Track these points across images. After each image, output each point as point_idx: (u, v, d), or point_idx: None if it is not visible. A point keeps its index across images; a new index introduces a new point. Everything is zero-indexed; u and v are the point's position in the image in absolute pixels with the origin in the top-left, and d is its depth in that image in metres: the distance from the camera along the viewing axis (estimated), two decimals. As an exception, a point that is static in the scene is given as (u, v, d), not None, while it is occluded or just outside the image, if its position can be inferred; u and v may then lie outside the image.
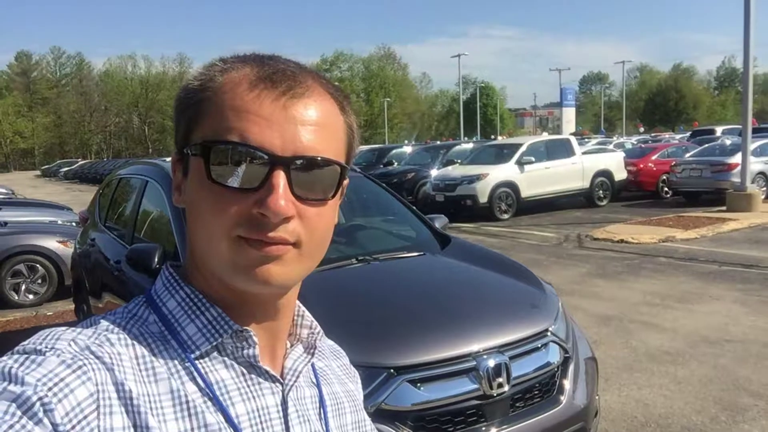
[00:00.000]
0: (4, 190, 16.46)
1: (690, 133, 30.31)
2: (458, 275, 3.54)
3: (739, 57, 14.41)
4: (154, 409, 0.63)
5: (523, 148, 15.45)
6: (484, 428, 2.64)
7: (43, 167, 72.45)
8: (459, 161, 17.30)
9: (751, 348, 5.31)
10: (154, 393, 0.64)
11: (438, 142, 27.24)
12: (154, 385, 0.65)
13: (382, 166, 19.73)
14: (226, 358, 0.71)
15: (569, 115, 58.59)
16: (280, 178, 0.65)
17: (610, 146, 22.74)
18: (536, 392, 2.87)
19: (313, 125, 0.68)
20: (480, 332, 2.80)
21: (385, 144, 42.13)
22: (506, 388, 2.70)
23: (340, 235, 4.33)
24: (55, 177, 57.63)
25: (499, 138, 33.57)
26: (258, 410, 0.70)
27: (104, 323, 0.68)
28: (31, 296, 7.88)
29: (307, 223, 0.68)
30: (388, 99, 77.83)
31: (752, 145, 14.24)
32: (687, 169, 15.70)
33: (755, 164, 14.56)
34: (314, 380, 0.81)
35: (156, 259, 3.41)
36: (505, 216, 14.79)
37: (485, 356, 2.72)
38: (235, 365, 0.71)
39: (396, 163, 19.65)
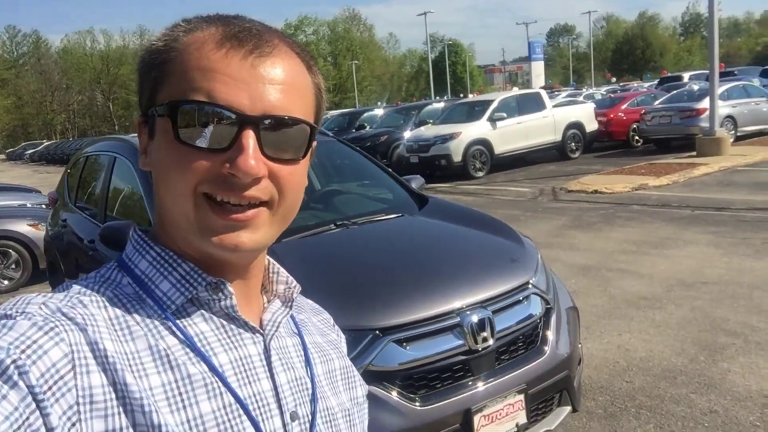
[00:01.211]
0: None
1: (658, 80, 30.50)
2: (437, 234, 3.54)
3: (704, 2, 14.44)
4: (133, 366, 0.62)
5: (494, 105, 15.42)
6: (471, 382, 2.67)
7: (7, 150, 70.76)
8: (431, 121, 17.24)
9: (726, 289, 5.43)
10: (132, 350, 0.64)
11: (408, 104, 27.05)
12: (131, 343, 0.64)
13: (354, 130, 19.59)
14: (204, 312, 0.70)
15: (538, 69, 58.55)
16: (250, 137, 0.64)
17: (580, 98, 22.81)
18: (520, 344, 2.90)
19: (281, 84, 0.67)
20: (462, 289, 2.81)
21: (356, 108, 41.78)
22: (491, 342, 2.72)
23: (317, 201, 4.30)
24: (20, 160, 56.36)
25: (470, 96, 33.48)
26: (241, 359, 0.70)
27: (76, 287, 0.68)
28: (6, 282, 7.75)
29: (278, 183, 0.67)
30: (356, 62, 76.94)
31: (719, 89, 14.37)
32: (656, 116, 15.82)
33: (723, 108, 14.72)
34: (295, 330, 0.81)
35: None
36: (480, 174, 14.83)
37: (468, 312, 2.73)
38: (214, 318, 0.71)
39: (368, 127, 19.51)
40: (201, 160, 0.64)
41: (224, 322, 0.71)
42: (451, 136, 14.68)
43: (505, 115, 15.22)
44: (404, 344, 2.59)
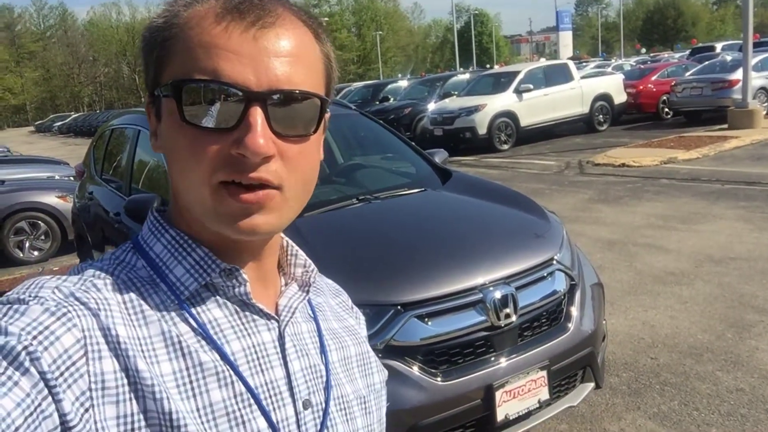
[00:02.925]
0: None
1: (689, 51, 29.72)
2: (460, 209, 3.50)
3: (740, -32, 13.94)
4: (145, 352, 0.62)
5: (520, 76, 15.17)
6: (493, 358, 2.66)
7: (36, 123, 71.69)
8: (456, 93, 17.04)
9: (755, 265, 5.33)
10: (145, 336, 0.63)
11: (433, 75, 26.74)
12: (144, 329, 0.63)
13: (377, 102, 19.44)
14: (218, 298, 0.69)
15: (566, 39, 57.39)
16: (257, 115, 0.61)
17: (609, 69, 22.35)
18: (544, 320, 2.88)
19: (288, 56, 0.64)
20: (485, 264, 2.79)
21: (380, 79, 41.47)
22: (513, 318, 2.70)
23: (339, 175, 4.28)
24: (49, 132, 57.11)
25: (496, 67, 32.98)
26: (254, 347, 0.69)
27: (90, 270, 0.67)
28: (35, 253, 7.91)
29: (289, 163, 0.65)
30: (380, 32, 76.18)
31: (753, 60, 13.96)
32: (687, 88, 15.44)
33: (756, 80, 14.31)
34: (311, 315, 0.79)
35: (154, 209, 3.38)
36: (505, 146, 14.67)
37: (491, 288, 2.71)
38: (228, 304, 0.70)
39: (392, 99, 19.34)
40: (210, 143, 0.62)
41: (238, 309, 0.70)
42: (476, 108, 14.51)
43: (531, 86, 14.97)
44: (426, 320, 2.59)
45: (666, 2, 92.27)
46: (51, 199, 7.90)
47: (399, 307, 2.56)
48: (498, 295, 2.69)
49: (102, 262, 0.69)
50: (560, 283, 2.98)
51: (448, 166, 4.20)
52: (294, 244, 0.79)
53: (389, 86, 21.53)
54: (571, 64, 16.47)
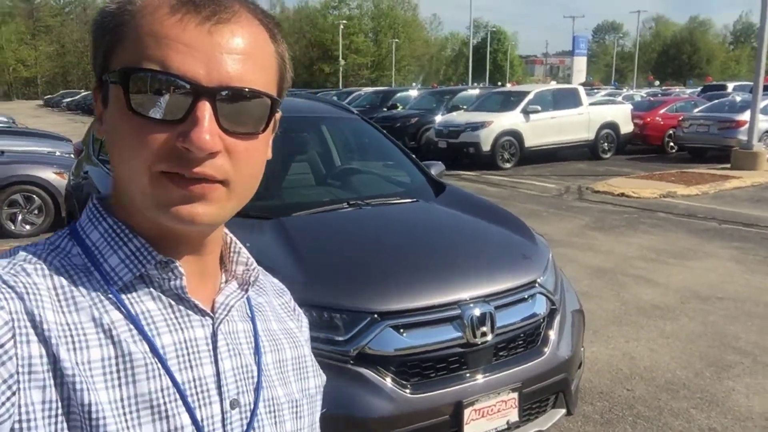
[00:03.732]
0: (4, 119, 16.33)
1: (701, 88, 29.80)
2: (449, 223, 3.50)
3: (757, 11, 13.98)
4: (74, 337, 0.61)
5: (529, 96, 15.21)
6: (465, 375, 2.65)
7: (45, 97, 71.68)
8: (464, 107, 17.07)
9: (742, 306, 5.33)
10: (75, 321, 0.62)
11: (444, 87, 26.78)
12: (75, 314, 0.63)
13: (385, 109, 19.47)
14: (152, 290, 0.68)
15: (580, 64, 57.55)
16: (206, 110, 0.61)
17: (619, 98, 22.40)
18: (520, 342, 2.87)
19: (241, 54, 0.64)
20: (466, 281, 2.79)
21: (392, 86, 41.54)
22: (489, 337, 2.70)
23: (334, 178, 4.29)
24: (57, 107, 57.10)
25: (508, 85, 33.05)
26: (185, 342, 0.68)
27: (22, 254, 0.66)
28: (27, 227, 7.90)
29: (235, 159, 0.64)
30: (397, 40, 76.38)
31: (762, 103, 13.99)
32: (694, 124, 15.47)
33: (764, 122, 14.32)
34: (249, 315, 0.78)
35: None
36: (508, 165, 14.68)
37: (471, 305, 2.71)
38: (163, 297, 0.69)
39: (400, 107, 19.38)
40: (155, 133, 0.61)
41: (173, 302, 0.69)
42: (482, 125, 14.53)
43: (539, 108, 15.00)
44: (401, 330, 2.58)
45: (683, 37, 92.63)
46: (48, 175, 7.89)
47: (375, 315, 2.56)
48: (476, 312, 2.69)
49: (36, 247, 0.68)
50: (540, 307, 2.98)
51: (445, 179, 4.20)
52: (238, 242, 0.79)
53: (399, 94, 21.56)
54: (581, 90, 16.52)
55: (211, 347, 0.70)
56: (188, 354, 0.68)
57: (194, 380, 0.67)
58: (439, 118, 16.58)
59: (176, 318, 0.68)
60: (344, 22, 71.19)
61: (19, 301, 0.59)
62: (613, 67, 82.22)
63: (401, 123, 17.14)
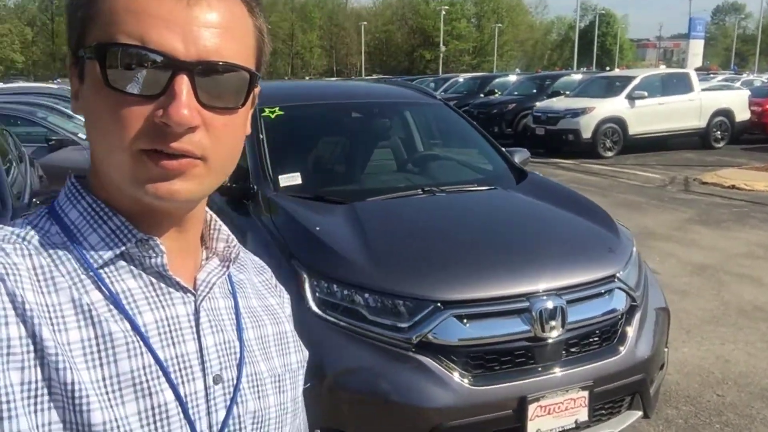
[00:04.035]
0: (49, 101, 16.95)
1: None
2: (526, 212, 3.39)
3: None
4: (53, 319, 0.61)
5: (635, 81, 14.45)
6: (531, 370, 2.56)
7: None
8: (566, 93, 16.49)
9: None
10: (54, 303, 0.62)
11: (546, 72, 25.97)
12: (54, 295, 0.63)
13: (482, 95, 19.14)
14: (133, 268, 0.68)
15: (697, 47, 54.04)
16: (183, 84, 0.60)
17: (737, 84, 20.88)
18: (595, 339, 2.74)
19: (219, 27, 0.63)
20: (537, 273, 2.69)
21: (493, 72, 40.79)
22: (559, 332, 2.59)
23: (414, 163, 4.26)
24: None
25: (616, 70, 31.61)
26: (167, 319, 0.68)
27: (1, 234, 0.66)
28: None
29: (214, 134, 0.64)
30: (500, 25, 74.85)
31: None
32: (822, 111, 14.19)
33: None
34: (231, 291, 0.78)
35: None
36: (609, 153, 14.06)
37: (541, 298, 2.61)
38: (144, 275, 0.69)
39: (498, 93, 19.00)
40: (133, 110, 0.61)
41: (154, 280, 0.69)
42: (582, 111, 13.98)
43: (646, 93, 14.23)
44: (465, 321, 2.53)
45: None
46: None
47: (439, 303, 2.51)
48: (546, 306, 2.59)
49: (14, 227, 0.68)
50: (619, 303, 2.83)
51: (538, 168, 4.08)
52: (218, 219, 0.79)
53: (497, 80, 21.14)
54: (693, 74, 15.50)
55: (193, 324, 0.70)
56: (170, 331, 0.68)
57: (177, 357, 0.68)
58: (538, 104, 16.11)
59: (157, 296, 0.69)
60: (446, 8, 70.50)
61: None
62: (732, 50, 76.84)
63: (498, 109, 16.81)
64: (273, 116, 3.82)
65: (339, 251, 2.73)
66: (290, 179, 3.44)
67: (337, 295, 2.60)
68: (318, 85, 6.66)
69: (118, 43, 0.61)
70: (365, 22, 72.42)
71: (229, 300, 0.77)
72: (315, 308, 2.58)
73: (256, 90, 0.69)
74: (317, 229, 2.89)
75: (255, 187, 3.41)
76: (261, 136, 3.66)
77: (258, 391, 0.75)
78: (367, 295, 2.57)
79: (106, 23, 0.62)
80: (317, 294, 2.61)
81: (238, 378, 0.72)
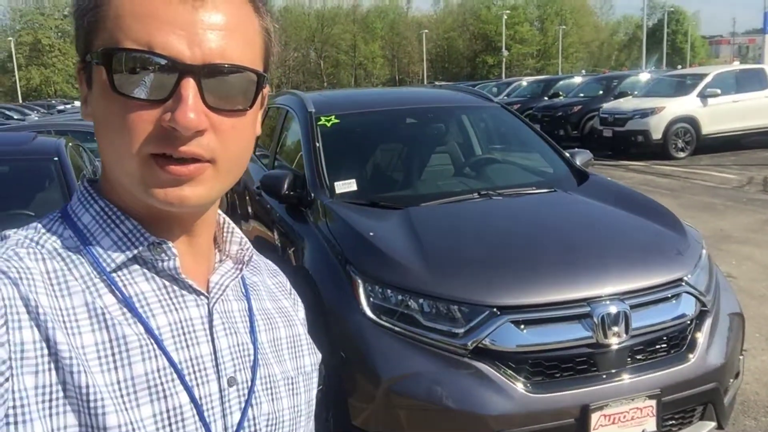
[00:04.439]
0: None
1: None
2: (587, 215, 3.28)
3: None
4: (67, 323, 0.61)
5: (707, 79, 13.84)
6: (594, 377, 2.47)
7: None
8: (634, 93, 15.98)
9: None
10: (68, 306, 0.62)
11: (613, 73, 25.26)
12: (67, 299, 0.63)
13: (546, 98, 18.78)
14: (146, 271, 0.68)
15: (774, 42, 51.42)
16: (190, 88, 0.60)
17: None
18: (662, 345, 2.62)
19: (224, 29, 0.62)
20: (598, 277, 2.60)
21: (559, 75, 40.04)
22: (623, 338, 2.49)
23: (471, 167, 4.21)
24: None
25: (688, 68, 30.47)
26: (181, 322, 0.68)
27: (14, 238, 0.67)
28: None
29: (222, 137, 0.63)
30: (564, 27, 73.46)
31: None
32: None
33: None
34: (244, 294, 0.78)
35: (285, 186, 3.53)
36: (682, 154, 13.49)
37: (604, 302, 2.52)
38: (156, 278, 0.68)
39: (562, 95, 18.59)
40: (141, 115, 0.61)
41: (167, 283, 0.69)
42: (652, 111, 13.48)
43: (719, 91, 13.59)
44: (522, 326, 2.46)
45: None
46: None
47: (495, 309, 2.46)
48: (609, 311, 2.49)
49: (27, 231, 0.68)
50: (688, 308, 2.70)
51: (606, 170, 3.96)
52: (231, 221, 0.78)
53: (561, 82, 20.68)
54: (769, 70, 14.75)
55: (206, 326, 0.70)
56: (184, 334, 0.68)
57: (191, 359, 0.67)
58: (604, 106, 15.66)
59: (171, 298, 0.68)
60: (508, 12, 69.77)
61: (12, 287, 0.59)
62: (815, 43, 72.95)
63: (563, 112, 16.43)
64: (329, 125, 3.85)
65: (393, 256, 2.72)
66: (346, 186, 3.45)
67: (391, 301, 2.58)
68: (373, 93, 6.69)
69: (123, 48, 0.61)
70: (426, 30, 72.46)
71: (242, 302, 0.77)
72: (370, 313, 2.57)
73: (265, 91, 0.69)
74: (371, 234, 2.89)
75: (312, 194, 3.44)
76: (317, 145, 3.70)
77: (272, 394, 0.75)
78: (421, 301, 2.54)
79: (112, 28, 0.62)
80: (372, 299, 2.60)
81: (252, 380, 0.72)
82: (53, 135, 6.24)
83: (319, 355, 0.87)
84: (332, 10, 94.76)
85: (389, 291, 2.59)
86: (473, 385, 2.41)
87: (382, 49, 79.79)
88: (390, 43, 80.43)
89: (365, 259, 2.77)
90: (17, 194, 4.20)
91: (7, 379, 0.56)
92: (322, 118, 3.85)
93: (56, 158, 4.20)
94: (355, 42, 76.97)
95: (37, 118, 19.16)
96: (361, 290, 2.62)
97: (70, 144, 4.96)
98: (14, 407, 0.57)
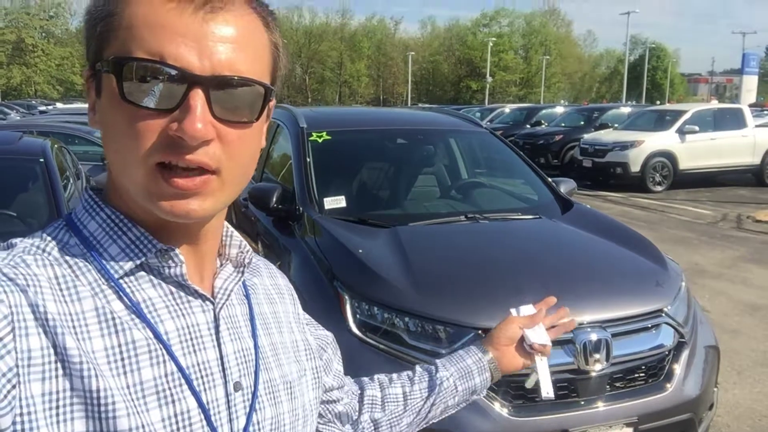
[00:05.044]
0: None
1: None
2: (571, 242, 3.34)
3: None
4: (76, 328, 0.62)
5: (686, 116, 14.17)
6: (574, 403, 2.50)
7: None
8: (615, 126, 16.28)
9: None
10: (77, 311, 0.63)
11: (593, 105, 25.70)
12: (77, 304, 0.63)
13: (528, 126, 19.06)
14: (153, 278, 0.69)
15: (750, 83, 52.61)
16: (198, 98, 0.62)
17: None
18: (640, 374, 2.67)
19: (234, 42, 0.64)
20: (581, 304, 2.63)
21: (540, 104, 40.58)
22: (604, 365, 2.53)
23: (458, 190, 4.26)
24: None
25: (666, 104, 31.10)
26: (188, 327, 0.69)
27: (21, 246, 0.67)
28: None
29: (228, 148, 0.65)
30: (548, 57, 74.60)
31: None
32: None
33: None
34: (245, 296, 0.80)
35: (274, 199, 3.54)
36: (659, 188, 13.76)
37: (586, 330, 2.56)
38: (163, 284, 0.70)
39: (545, 124, 18.88)
40: (148, 123, 0.62)
41: (173, 289, 0.70)
42: (631, 144, 13.76)
43: (697, 128, 13.92)
44: (506, 349, 2.48)
45: None
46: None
47: (480, 331, 2.48)
48: (590, 338, 2.53)
49: (33, 239, 0.68)
50: (666, 338, 2.75)
51: (585, 200, 4.03)
52: (229, 226, 0.79)
53: (543, 111, 21.02)
54: (747, 110, 15.14)
55: (212, 332, 0.71)
56: (191, 339, 0.69)
57: (198, 364, 0.68)
58: (585, 137, 15.93)
59: (177, 304, 0.69)
60: (494, 39, 70.68)
61: (20, 294, 0.60)
62: (789, 86, 74.80)
63: (544, 140, 16.69)
64: (320, 140, 3.88)
65: (381, 274, 2.74)
66: (335, 202, 3.47)
67: (377, 318, 2.60)
68: (364, 111, 6.74)
69: (134, 57, 0.62)
70: (413, 52, 73.03)
71: (244, 306, 0.78)
72: (355, 330, 2.58)
73: (271, 104, 0.70)
74: (360, 251, 2.91)
75: (301, 208, 3.46)
76: (308, 160, 3.72)
77: (273, 398, 0.76)
78: (407, 319, 2.56)
79: (124, 37, 0.63)
80: (358, 316, 2.61)
81: (255, 385, 0.74)
82: (36, 136, 6.19)
83: (317, 361, 0.89)
84: (320, 26, 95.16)
85: (376, 308, 2.61)
86: (455, 406, 2.42)
87: (368, 68, 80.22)
88: (376, 62, 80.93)
89: (353, 275, 2.79)
90: (0, 194, 4.16)
91: (14, 387, 0.56)
92: (314, 134, 3.88)
93: (42, 159, 4.17)
94: (342, 60, 77.36)
95: (18, 118, 18.94)
96: (347, 306, 2.63)
97: (56, 146, 4.92)
98: (21, 414, 0.57)
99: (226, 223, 0.79)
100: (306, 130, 3.90)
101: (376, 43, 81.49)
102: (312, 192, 3.53)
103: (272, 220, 3.68)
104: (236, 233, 0.80)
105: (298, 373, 0.83)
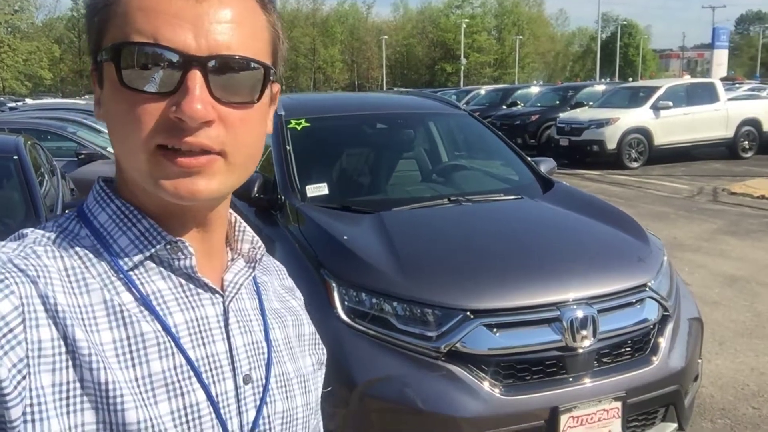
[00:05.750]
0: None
1: None
2: (554, 221, 3.36)
3: None
4: (85, 320, 0.61)
5: (660, 92, 14.31)
6: (563, 380, 2.53)
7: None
8: (590, 104, 16.39)
9: None
10: (86, 304, 0.63)
11: (568, 84, 25.84)
12: (86, 296, 0.63)
13: (504, 107, 19.12)
14: (162, 270, 0.69)
15: (721, 57, 53.42)
16: (196, 79, 0.61)
17: (764, 93, 20.59)
18: (626, 349, 2.70)
19: (230, 22, 0.63)
20: (567, 282, 2.66)
21: (515, 84, 40.69)
22: (591, 341, 2.56)
23: (439, 173, 4.26)
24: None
25: (639, 81, 31.37)
26: (197, 320, 0.68)
27: (31, 236, 0.67)
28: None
29: (231, 130, 0.64)
30: (521, 37, 74.76)
31: None
32: None
33: None
34: (256, 292, 0.79)
35: (255, 189, 3.50)
36: (635, 164, 13.91)
37: (571, 307, 2.58)
38: (173, 276, 0.69)
39: (521, 105, 18.95)
40: (149, 108, 0.61)
41: (183, 281, 0.69)
42: (607, 122, 13.87)
43: (671, 104, 14.07)
44: (495, 330, 2.50)
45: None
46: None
47: (468, 312, 2.50)
48: (577, 315, 2.56)
49: (44, 230, 0.68)
50: (651, 312, 2.78)
51: (562, 178, 4.05)
52: (242, 221, 0.79)
53: (519, 92, 21.10)
54: (719, 84, 15.33)
55: (222, 324, 0.71)
56: (200, 332, 0.68)
57: (207, 357, 0.68)
58: (561, 116, 16.02)
59: (187, 297, 0.69)
60: (467, 21, 70.62)
61: (30, 285, 0.59)
62: (758, 60, 75.86)
63: (521, 120, 16.77)
64: (299, 128, 3.84)
65: (367, 260, 2.73)
66: (317, 189, 3.45)
67: (365, 304, 2.60)
68: (343, 97, 6.71)
69: (130, 42, 0.61)
70: (386, 36, 72.78)
71: (254, 300, 0.78)
72: (344, 316, 2.58)
73: (276, 88, 0.69)
74: (345, 238, 2.90)
75: (282, 197, 3.43)
76: (288, 148, 3.69)
77: (286, 392, 0.76)
78: (395, 304, 2.57)
79: (121, 25, 0.63)
80: (346, 303, 2.61)
81: (267, 378, 0.73)
82: (7, 133, 6.06)
83: (324, 355, 0.89)
84: (291, 12, 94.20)
85: (363, 294, 2.61)
86: (446, 388, 2.44)
87: (342, 53, 79.81)
88: (349, 47, 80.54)
89: (339, 262, 2.78)
90: (-27, 192, 4.08)
91: (24, 377, 0.56)
92: (293, 122, 3.85)
93: (15, 157, 4.09)
94: (315, 45, 76.79)
95: (-14, 115, 18.53)
96: (335, 293, 2.63)
97: (29, 142, 4.83)
98: (32, 405, 0.57)
99: (239, 218, 0.78)
100: (284, 118, 3.87)
101: (349, 27, 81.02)
102: (293, 180, 3.51)
103: (254, 210, 3.65)
104: (249, 228, 0.79)
105: (313, 366, 0.83)
